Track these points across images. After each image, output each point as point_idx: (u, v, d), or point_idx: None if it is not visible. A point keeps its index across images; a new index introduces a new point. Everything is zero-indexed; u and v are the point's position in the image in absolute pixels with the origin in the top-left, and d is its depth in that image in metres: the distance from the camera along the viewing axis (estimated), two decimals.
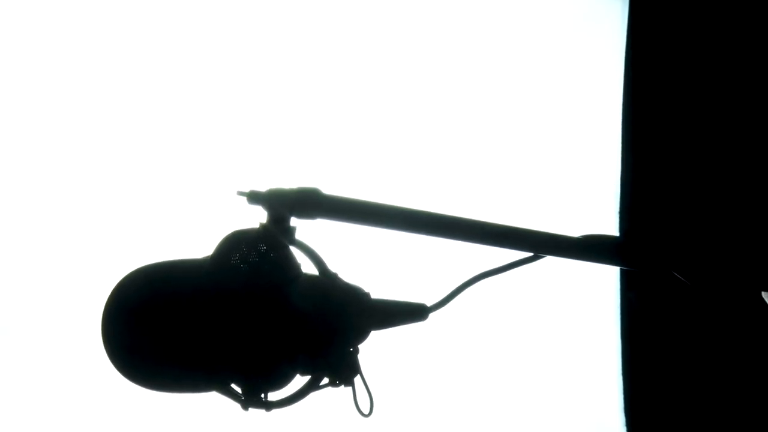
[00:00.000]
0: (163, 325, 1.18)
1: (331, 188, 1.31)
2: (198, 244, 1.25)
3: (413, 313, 1.34)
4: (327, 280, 1.26)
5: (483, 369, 2.01)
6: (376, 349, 1.34)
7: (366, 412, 1.28)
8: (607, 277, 1.99)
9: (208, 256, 1.23)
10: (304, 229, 1.28)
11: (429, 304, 1.36)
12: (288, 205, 1.25)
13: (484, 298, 1.95)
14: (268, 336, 1.20)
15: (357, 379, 1.27)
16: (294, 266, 1.24)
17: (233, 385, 1.25)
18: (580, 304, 2.01)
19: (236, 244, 1.21)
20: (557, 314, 2.01)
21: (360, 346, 1.30)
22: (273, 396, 1.26)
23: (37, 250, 1.90)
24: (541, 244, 1.41)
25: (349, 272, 1.30)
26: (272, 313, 1.20)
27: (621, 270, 1.97)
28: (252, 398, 1.23)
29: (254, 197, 1.25)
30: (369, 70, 1.95)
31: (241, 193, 1.26)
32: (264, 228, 1.24)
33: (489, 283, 1.82)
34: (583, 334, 2.01)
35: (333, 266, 1.28)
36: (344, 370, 1.25)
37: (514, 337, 2.01)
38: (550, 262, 1.87)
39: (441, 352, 1.99)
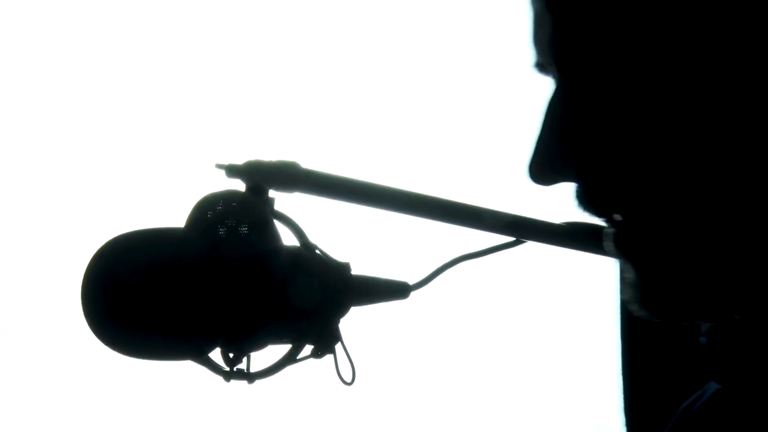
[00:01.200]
0: (143, 289, 1.18)
1: (317, 165, 1.33)
2: (176, 218, 1.26)
3: (395, 290, 1.34)
4: (307, 251, 1.27)
5: (483, 368, 2.02)
6: (376, 353, 1.34)
7: (348, 380, 1.29)
8: (607, 277, 1.99)
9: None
10: (285, 202, 1.30)
11: (411, 282, 1.36)
12: (266, 177, 1.26)
13: (485, 298, 1.97)
14: (248, 299, 1.20)
15: (339, 349, 1.28)
16: (273, 235, 1.25)
17: (214, 357, 1.26)
18: (580, 304, 2.01)
19: (212, 203, 1.22)
20: (557, 314, 2.02)
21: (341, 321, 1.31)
22: (255, 368, 1.27)
23: (35, 248, 1.92)
24: (522, 229, 1.41)
25: (329, 247, 1.31)
26: (252, 277, 1.20)
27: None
28: (234, 363, 1.23)
29: (232, 170, 1.26)
30: (367, 63, 1.98)
31: (219, 166, 1.27)
32: (242, 194, 1.25)
33: (489, 283, 1.83)
34: (583, 333, 2.01)
35: (314, 239, 1.29)
36: (326, 337, 1.26)
37: (514, 336, 2.02)
38: (550, 263, 1.88)
39: (441, 351, 2.00)
